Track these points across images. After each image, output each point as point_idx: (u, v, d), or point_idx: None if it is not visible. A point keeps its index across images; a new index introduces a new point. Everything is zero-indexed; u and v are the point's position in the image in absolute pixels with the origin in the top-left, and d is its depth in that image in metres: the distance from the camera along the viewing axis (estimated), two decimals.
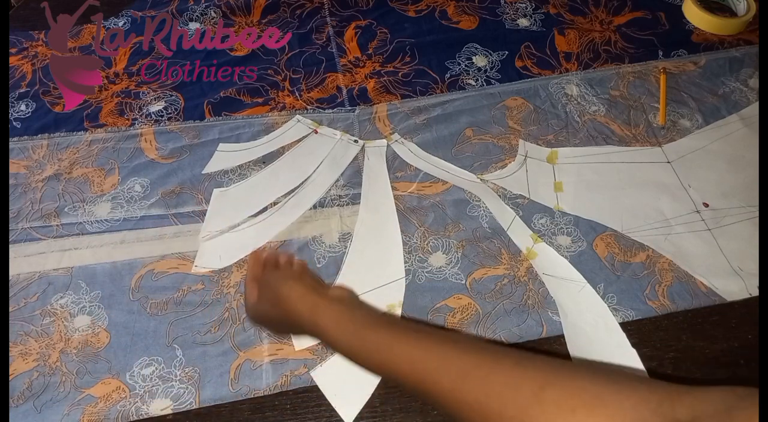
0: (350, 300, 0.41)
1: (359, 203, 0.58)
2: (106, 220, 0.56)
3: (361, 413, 0.46)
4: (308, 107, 0.65)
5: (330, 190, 0.59)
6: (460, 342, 0.34)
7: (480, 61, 0.70)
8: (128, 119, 0.64)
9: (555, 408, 0.28)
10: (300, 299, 0.40)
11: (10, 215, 0.56)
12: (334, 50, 0.71)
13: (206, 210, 0.57)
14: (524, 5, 0.76)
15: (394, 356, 0.35)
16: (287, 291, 0.41)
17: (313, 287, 0.41)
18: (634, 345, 0.48)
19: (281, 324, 0.43)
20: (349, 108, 0.66)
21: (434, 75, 0.69)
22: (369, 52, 0.71)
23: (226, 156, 0.61)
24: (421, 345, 0.35)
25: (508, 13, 0.75)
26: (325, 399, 0.47)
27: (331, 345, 0.38)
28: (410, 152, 0.61)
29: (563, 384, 0.29)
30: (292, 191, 0.59)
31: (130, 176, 0.60)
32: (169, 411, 0.46)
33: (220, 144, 0.62)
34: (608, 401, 0.28)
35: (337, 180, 0.59)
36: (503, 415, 0.30)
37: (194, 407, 0.46)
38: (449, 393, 0.32)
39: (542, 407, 0.29)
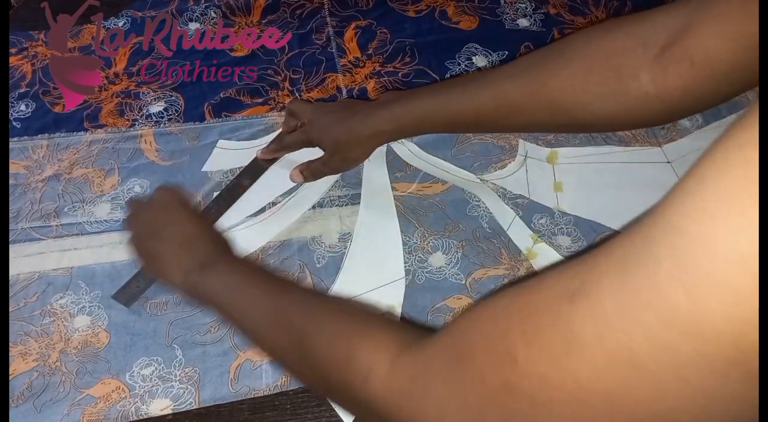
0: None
1: (359, 203, 0.58)
2: (105, 220, 0.56)
3: None
4: None
5: (329, 190, 0.59)
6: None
7: (480, 61, 0.70)
8: (128, 120, 0.64)
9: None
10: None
11: (10, 215, 0.56)
12: (334, 50, 0.71)
13: None
14: (524, 5, 0.76)
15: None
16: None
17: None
18: None
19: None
20: None
21: (434, 75, 0.69)
22: (369, 52, 0.71)
23: (226, 154, 0.61)
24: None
25: (508, 13, 0.75)
26: (325, 399, 0.47)
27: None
28: (410, 152, 0.61)
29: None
30: (292, 191, 0.59)
31: (130, 176, 0.60)
32: (168, 411, 0.46)
33: (220, 140, 0.62)
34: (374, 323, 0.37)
35: (337, 180, 0.59)
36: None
37: (194, 407, 0.47)
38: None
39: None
